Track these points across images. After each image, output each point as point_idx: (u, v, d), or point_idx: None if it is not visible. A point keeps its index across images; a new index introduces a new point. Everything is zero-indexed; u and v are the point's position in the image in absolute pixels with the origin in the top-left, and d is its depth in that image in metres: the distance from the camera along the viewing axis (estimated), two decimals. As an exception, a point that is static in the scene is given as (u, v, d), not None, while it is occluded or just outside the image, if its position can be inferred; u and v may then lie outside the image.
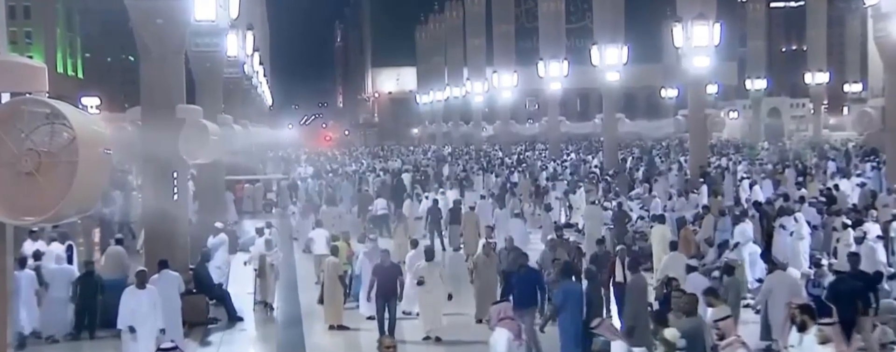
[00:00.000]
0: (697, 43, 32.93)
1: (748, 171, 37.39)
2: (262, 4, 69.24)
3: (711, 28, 33.06)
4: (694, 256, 18.13)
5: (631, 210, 25.50)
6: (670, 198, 27.76)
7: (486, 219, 24.77)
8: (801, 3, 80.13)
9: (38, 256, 17.24)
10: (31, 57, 53.30)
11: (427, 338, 16.08)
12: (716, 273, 16.83)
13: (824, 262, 17.79)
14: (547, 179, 37.42)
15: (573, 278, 15.15)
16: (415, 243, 18.99)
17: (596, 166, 44.05)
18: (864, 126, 34.37)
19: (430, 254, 16.74)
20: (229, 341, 16.87)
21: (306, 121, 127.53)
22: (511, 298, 14.41)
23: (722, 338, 10.77)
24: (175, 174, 17.89)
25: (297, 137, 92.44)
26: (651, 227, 21.88)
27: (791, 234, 20.25)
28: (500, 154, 58.98)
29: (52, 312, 16.38)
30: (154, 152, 17.48)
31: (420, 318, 16.58)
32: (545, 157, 54.38)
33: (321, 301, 18.09)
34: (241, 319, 18.09)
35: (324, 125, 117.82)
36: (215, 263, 19.30)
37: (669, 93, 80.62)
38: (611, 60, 42.31)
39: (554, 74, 52.59)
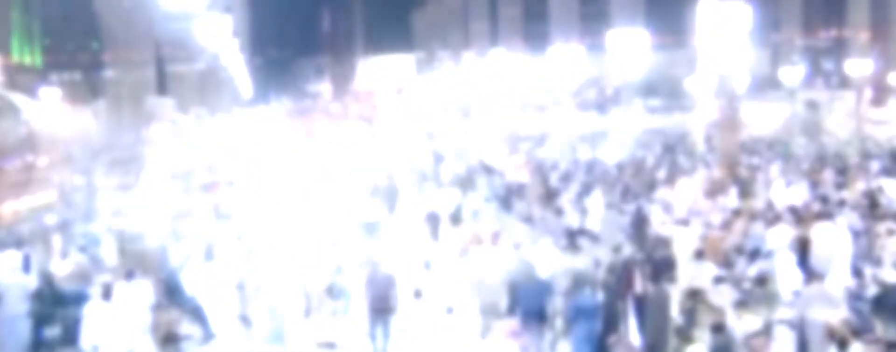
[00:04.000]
0: (726, 28, 32.91)
1: (782, 170, 37.39)
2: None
3: (742, 11, 33.03)
4: (722, 266, 18.15)
5: (652, 214, 25.51)
6: (696, 200, 27.77)
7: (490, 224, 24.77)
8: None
9: (-11, 265, 17.23)
10: (-17, 44, 53.26)
11: (425, 357, 16.08)
12: (746, 284, 16.85)
13: (867, 272, 17.80)
14: (558, 179, 37.39)
15: (587, 289, 15.16)
16: (410, 251, 19.01)
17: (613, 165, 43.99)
18: (912, 121, 34.46)
19: (427, 264, 16.74)
20: (205, 359, 16.89)
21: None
22: (517, 312, 14.42)
23: (753, 356, 10.80)
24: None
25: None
26: (674, 233, 21.89)
27: (830, 241, 20.25)
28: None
29: (7, 328, 16.31)
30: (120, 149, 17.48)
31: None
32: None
33: (307, 315, 18.09)
34: (217, 335, 18.09)
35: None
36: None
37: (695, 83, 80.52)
38: (630, 46, 42.33)
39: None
